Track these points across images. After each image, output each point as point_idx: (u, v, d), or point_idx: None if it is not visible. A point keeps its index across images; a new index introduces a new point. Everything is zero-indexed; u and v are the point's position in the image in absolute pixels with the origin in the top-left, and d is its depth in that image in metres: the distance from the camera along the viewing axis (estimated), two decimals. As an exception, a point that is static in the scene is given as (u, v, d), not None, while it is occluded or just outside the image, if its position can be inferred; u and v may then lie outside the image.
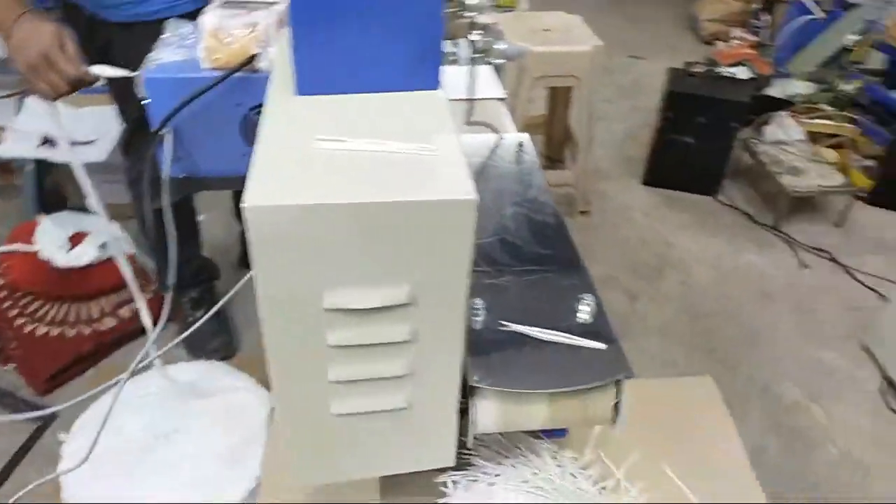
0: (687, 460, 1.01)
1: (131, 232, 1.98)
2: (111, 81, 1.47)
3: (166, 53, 1.03)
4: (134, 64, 1.05)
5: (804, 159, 2.86)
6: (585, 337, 0.79)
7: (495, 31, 0.83)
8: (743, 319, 2.28)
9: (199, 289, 1.88)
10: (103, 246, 1.73)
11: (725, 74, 3.67)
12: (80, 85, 1.18)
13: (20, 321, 1.69)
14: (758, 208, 2.87)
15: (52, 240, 1.67)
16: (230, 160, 1.05)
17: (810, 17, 3.76)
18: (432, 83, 0.76)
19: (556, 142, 2.78)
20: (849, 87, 3.41)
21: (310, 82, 0.73)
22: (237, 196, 2.06)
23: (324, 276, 0.60)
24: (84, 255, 1.68)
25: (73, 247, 1.71)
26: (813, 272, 2.54)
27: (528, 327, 0.80)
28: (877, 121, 3.27)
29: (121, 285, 1.79)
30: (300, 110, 0.70)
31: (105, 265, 1.74)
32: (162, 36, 1.08)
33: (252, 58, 0.97)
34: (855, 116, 3.27)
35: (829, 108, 3.30)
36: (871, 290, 2.45)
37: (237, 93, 1.00)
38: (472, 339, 0.77)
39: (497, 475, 0.87)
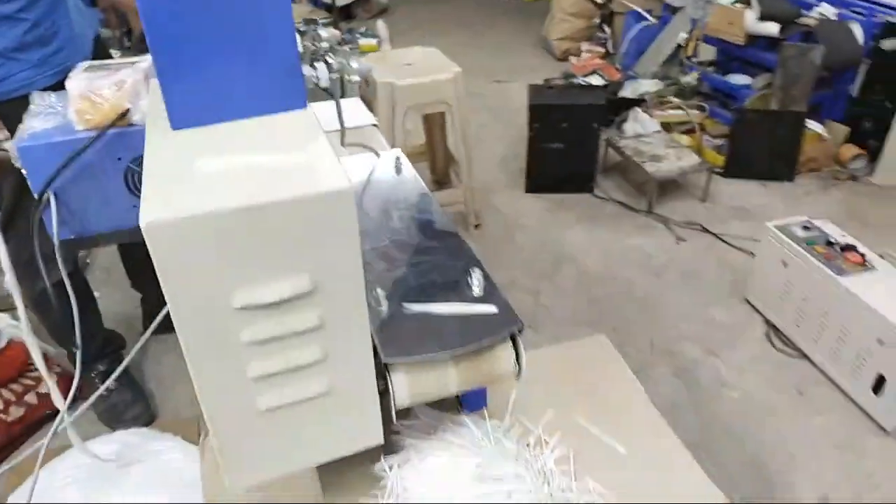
0: (596, 408, 1.12)
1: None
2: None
3: (37, 122, 1.05)
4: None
5: (662, 146, 3.15)
6: (478, 304, 0.88)
7: (346, 54, 0.93)
8: (636, 296, 2.47)
9: (106, 361, 1.83)
10: (-4, 335, 1.68)
11: (581, 84, 3.99)
12: (6, 165, 1.12)
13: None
14: (632, 197, 3.12)
15: (-62, 340, 1.60)
16: (119, 214, 1.08)
17: (645, 23, 4.16)
18: (299, 103, 0.84)
19: (439, 166, 2.92)
20: (689, 78, 3.80)
21: (182, 117, 0.79)
22: (131, 265, 2.04)
23: (229, 279, 0.66)
24: (-23, 348, 1.62)
25: (-38, 343, 1.64)
26: (689, 244, 2.78)
27: (427, 305, 0.88)
28: (719, 104, 3.66)
29: (23, 371, 1.73)
30: (179, 142, 0.76)
31: (2, 354, 1.68)
32: (30, 107, 1.10)
33: (125, 113, 1.01)
34: (701, 103, 3.64)
35: (676, 99, 3.66)
36: (741, 250, 2.71)
37: (116, 148, 1.03)
38: (379, 325, 0.84)
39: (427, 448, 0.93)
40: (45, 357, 1.86)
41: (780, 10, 3.32)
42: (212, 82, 0.78)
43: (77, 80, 1.01)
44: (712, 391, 2.04)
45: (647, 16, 4.28)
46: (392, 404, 0.82)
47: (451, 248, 1.01)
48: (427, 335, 0.83)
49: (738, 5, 3.50)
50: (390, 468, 0.93)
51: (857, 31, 3.16)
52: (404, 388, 0.81)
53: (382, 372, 0.81)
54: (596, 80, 4.04)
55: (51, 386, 1.02)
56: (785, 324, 2.24)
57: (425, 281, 0.93)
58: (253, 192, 0.65)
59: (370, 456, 0.94)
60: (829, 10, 3.33)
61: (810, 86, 3.17)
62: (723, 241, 2.78)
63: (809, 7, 3.39)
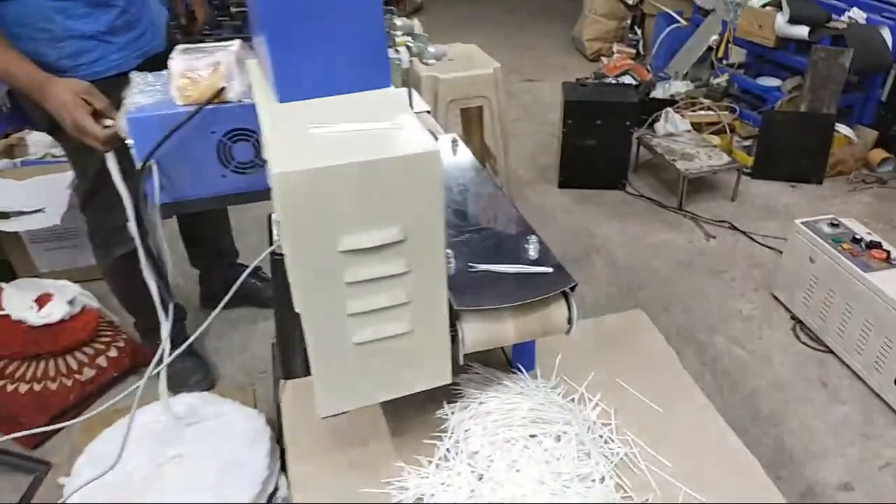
0: (634, 373, 1.21)
1: (93, 292, 2.05)
2: (68, 143, 1.58)
3: (139, 98, 1.17)
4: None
5: (693, 146, 3.22)
6: (535, 266, 0.99)
7: (424, 38, 1.04)
8: (666, 287, 2.55)
9: (171, 330, 1.97)
10: (72, 301, 1.81)
11: (614, 83, 4.07)
12: (117, 140, 1.22)
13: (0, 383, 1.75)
14: (662, 194, 3.20)
15: (19, 303, 1.73)
16: (211, 182, 1.20)
17: (675, 25, 4.24)
18: (384, 82, 0.95)
19: (477, 159, 3.02)
20: (719, 80, 3.87)
21: (289, 91, 0.91)
22: (193, 242, 2.17)
23: (337, 225, 0.77)
24: (56, 311, 1.75)
25: (40, 308, 1.78)
26: (718, 241, 2.86)
27: (492, 265, 0.99)
28: (749, 106, 3.72)
29: (94, 337, 1.87)
30: (288, 112, 0.88)
31: (77, 319, 1.82)
32: (131, 84, 1.22)
33: (220, 91, 1.13)
34: (731, 105, 3.71)
35: (706, 100, 3.73)
36: (769, 248, 2.78)
37: (211, 122, 1.15)
38: (450, 281, 0.95)
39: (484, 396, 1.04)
40: (113, 324, 2.00)
41: (809, 13, 3.37)
42: (314, 62, 0.90)
43: (178, 60, 1.14)
44: (737, 380, 2.12)
45: (678, 18, 4.36)
46: (460, 348, 0.92)
47: (508, 217, 1.12)
48: (491, 289, 0.94)
49: (768, 8, 3.56)
50: (452, 413, 1.03)
51: (887, 35, 3.21)
52: (471, 334, 0.92)
53: (452, 320, 0.92)
54: (627, 81, 4.11)
55: (161, 314, 1.16)
56: (811, 318, 2.31)
57: (487, 244, 1.04)
58: (360, 151, 0.76)
59: (432, 407, 1.05)
60: (859, 14, 3.37)
61: (839, 89, 3.22)
62: (751, 238, 2.85)
63: (839, 11, 3.44)
